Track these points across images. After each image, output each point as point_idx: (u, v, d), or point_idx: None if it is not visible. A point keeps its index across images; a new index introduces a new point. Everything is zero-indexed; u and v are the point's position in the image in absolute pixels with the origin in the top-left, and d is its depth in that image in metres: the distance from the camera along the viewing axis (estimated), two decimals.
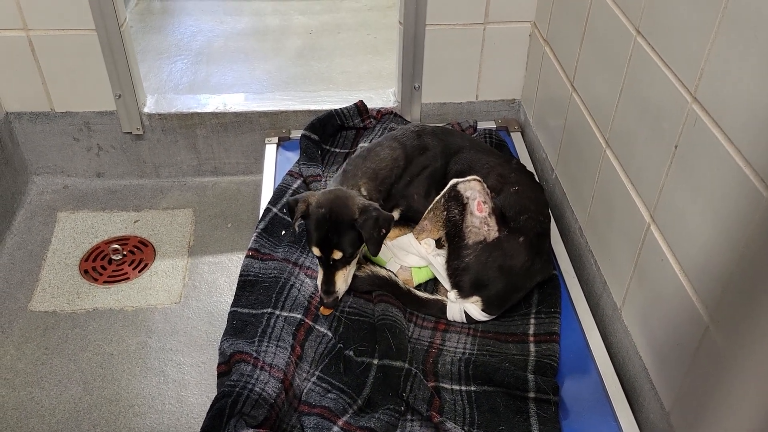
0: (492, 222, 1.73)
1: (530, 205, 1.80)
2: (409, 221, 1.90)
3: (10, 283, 2.21)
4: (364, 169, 1.84)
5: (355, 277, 1.80)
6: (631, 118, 1.61)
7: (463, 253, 1.73)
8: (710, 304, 1.29)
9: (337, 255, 1.67)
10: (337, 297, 1.72)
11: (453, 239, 1.76)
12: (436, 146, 1.93)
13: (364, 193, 1.78)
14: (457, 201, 1.74)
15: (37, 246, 2.35)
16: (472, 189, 1.74)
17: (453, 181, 1.77)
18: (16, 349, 2.00)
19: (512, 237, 1.72)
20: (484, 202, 1.73)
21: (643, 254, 1.56)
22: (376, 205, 1.71)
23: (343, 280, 1.71)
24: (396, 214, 1.89)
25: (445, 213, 1.76)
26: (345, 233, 1.66)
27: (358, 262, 1.85)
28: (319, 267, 1.73)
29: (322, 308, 1.74)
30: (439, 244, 1.82)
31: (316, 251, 1.68)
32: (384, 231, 1.68)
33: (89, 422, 1.82)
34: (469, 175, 1.79)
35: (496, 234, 1.72)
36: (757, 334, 1.13)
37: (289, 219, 1.87)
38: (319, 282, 1.73)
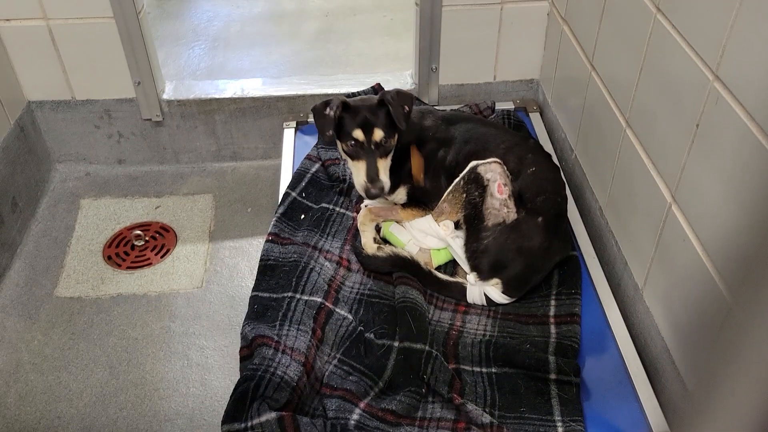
0: (511, 204, 1.72)
1: (547, 186, 1.79)
2: (419, 202, 1.89)
3: (36, 269, 2.24)
4: None
5: (375, 258, 1.81)
6: (652, 97, 1.59)
7: (482, 235, 1.73)
8: (733, 285, 1.28)
9: (378, 135, 1.72)
10: (383, 187, 1.75)
11: (472, 221, 1.75)
12: (449, 129, 1.91)
13: None
14: (477, 183, 1.74)
15: (61, 233, 2.38)
16: (493, 171, 1.73)
17: (473, 163, 1.76)
18: (44, 334, 2.04)
19: (530, 218, 1.72)
20: (505, 184, 1.73)
21: (665, 234, 1.55)
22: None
23: (385, 170, 1.76)
24: (402, 192, 1.89)
25: (465, 195, 1.76)
26: (380, 114, 1.73)
27: (375, 241, 1.86)
28: (356, 164, 1.76)
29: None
30: (457, 226, 1.82)
31: (358, 134, 1.72)
32: (407, 108, 1.75)
33: (116, 405, 1.85)
34: (484, 155, 1.79)
35: (515, 216, 1.71)
36: None
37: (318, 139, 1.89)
38: (360, 177, 1.75)
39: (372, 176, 1.73)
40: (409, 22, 2.46)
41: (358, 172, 1.76)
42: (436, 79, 2.48)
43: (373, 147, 1.74)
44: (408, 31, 2.54)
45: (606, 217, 1.91)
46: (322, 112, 1.73)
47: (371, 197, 1.79)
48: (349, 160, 1.80)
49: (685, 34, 1.43)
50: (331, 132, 1.72)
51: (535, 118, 2.43)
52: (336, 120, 1.72)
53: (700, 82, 1.36)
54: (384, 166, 1.76)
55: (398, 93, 1.76)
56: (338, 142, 1.79)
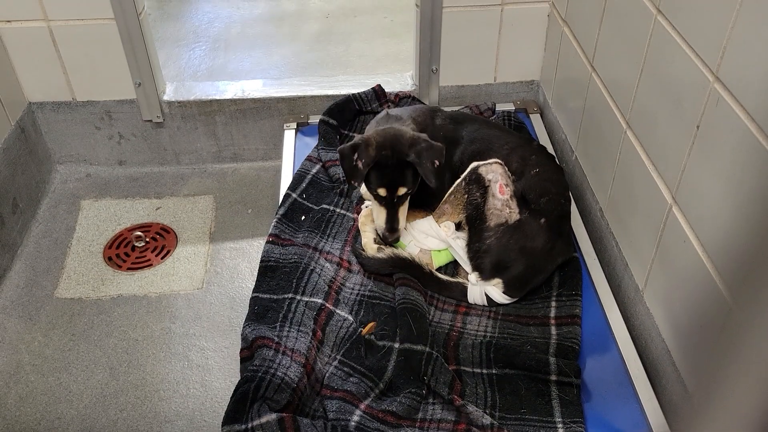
0: (513, 204, 1.72)
1: (551, 187, 1.79)
2: (420, 203, 1.89)
3: (37, 270, 2.24)
4: (407, 114, 1.88)
5: (375, 259, 1.81)
6: (652, 98, 1.59)
7: (485, 235, 1.73)
8: (733, 286, 1.28)
9: (402, 191, 1.73)
10: (399, 236, 1.78)
11: (474, 222, 1.76)
12: (455, 128, 1.92)
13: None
14: (479, 184, 1.74)
15: (61, 234, 2.38)
16: (494, 172, 1.74)
17: (474, 164, 1.76)
18: (44, 335, 2.04)
19: (533, 219, 1.72)
20: (506, 185, 1.73)
21: (665, 236, 1.55)
22: (425, 136, 1.74)
23: (403, 216, 1.78)
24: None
25: (466, 196, 1.76)
26: (408, 173, 1.73)
27: (376, 242, 1.87)
28: (378, 208, 1.78)
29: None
30: (458, 227, 1.82)
31: (382, 191, 1.73)
32: (437, 162, 1.72)
33: (116, 407, 1.85)
34: (488, 156, 1.79)
35: (518, 216, 1.71)
36: None
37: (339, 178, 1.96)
38: (381, 222, 1.77)
39: (392, 226, 1.77)
40: (410, 23, 2.46)
41: (378, 215, 1.79)
42: (436, 81, 2.48)
43: (395, 200, 1.75)
44: (408, 32, 2.55)
45: (606, 219, 1.91)
46: (351, 157, 1.71)
47: (387, 243, 1.82)
48: (371, 197, 1.81)
49: (685, 36, 1.43)
50: (356, 183, 1.74)
51: (536, 120, 2.44)
52: (366, 173, 1.72)
53: (701, 83, 1.36)
54: (403, 210, 1.78)
55: (430, 148, 1.71)
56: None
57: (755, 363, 0.52)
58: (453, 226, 1.81)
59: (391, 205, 1.76)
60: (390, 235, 1.78)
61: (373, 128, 1.85)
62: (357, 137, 1.77)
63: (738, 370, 0.54)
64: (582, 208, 2.08)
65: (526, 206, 1.74)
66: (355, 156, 1.71)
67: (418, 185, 1.88)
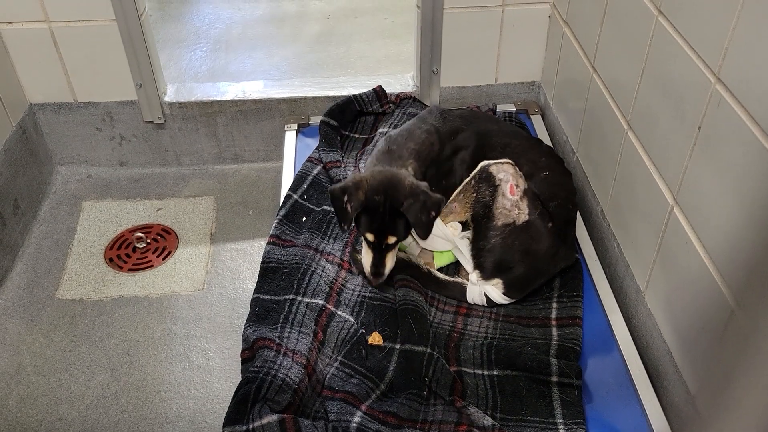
0: (523, 205, 1.72)
1: (560, 192, 1.79)
2: None
3: (38, 272, 2.24)
4: (409, 149, 1.82)
5: None
6: (654, 99, 1.59)
7: (490, 234, 1.72)
8: (736, 288, 1.28)
9: (392, 240, 1.68)
10: (385, 277, 1.72)
11: (481, 220, 1.75)
12: (466, 130, 1.91)
13: (412, 173, 1.76)
14: (489, 182, 1.73)
15: (63, 235, 2.38)
16: (505, 171, 1.73)
17: (484, 162, 1.75)
18: (45, 336, 2.04)
19: (541, 222, 1.71)
20: (517, 186, 1.72)
21: (667, 237, 1.55)
22: (425, 186, 1.68)
23: (391, 260, 1.72)
24: None
25: (475, 194, 1.75)
26: (399, 223, 1.66)
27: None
28: (366, 249, 1.73)
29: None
30: (464, 228, 1.81)
31: (370, 237, 1.68)
32: (434, 214, 1.66)
33: (117, 408, 1.85)
34: (501, 158, 1.78)
35: (526, 217, 1.71)
36: None
37: (333, 209, 1.84)
38: (366, 264, 1.72)
39: (377, 271, 1.71)
40: (410, 24, 2.46)
41: (365, 255, 1.73)
42: (437, 82, 2.48)
43: (383, 246, 1.69)
44: (409, 33, 2.55)
45: (608, 220, 1.91)
46: (341, 199, 1.65)
47: (372, 285, 1.77)
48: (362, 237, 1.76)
49: (686, 36, 1.43)
50: (346, 226, 1.69)
51: (537, 121, 2.43)
52: (353, 216, 1.66)
53: (702, 84, 1.36)
54: (391, 256, 1.72)
55: (426, 201, 1.63)
56: None
57: (762, 371, 0.52)
58: (460, 227, 1.80)
59: (378, 249, 1.69)
60: (374, 279, 1.72)
61: (371, 165, 1.81)
62: (348, 178, 1.72)
63: (747, 384, 0.54)
64: (583, 209, 2.08)
65: (537, 207, 1.73)
66: (345, 198, 1.64)
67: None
